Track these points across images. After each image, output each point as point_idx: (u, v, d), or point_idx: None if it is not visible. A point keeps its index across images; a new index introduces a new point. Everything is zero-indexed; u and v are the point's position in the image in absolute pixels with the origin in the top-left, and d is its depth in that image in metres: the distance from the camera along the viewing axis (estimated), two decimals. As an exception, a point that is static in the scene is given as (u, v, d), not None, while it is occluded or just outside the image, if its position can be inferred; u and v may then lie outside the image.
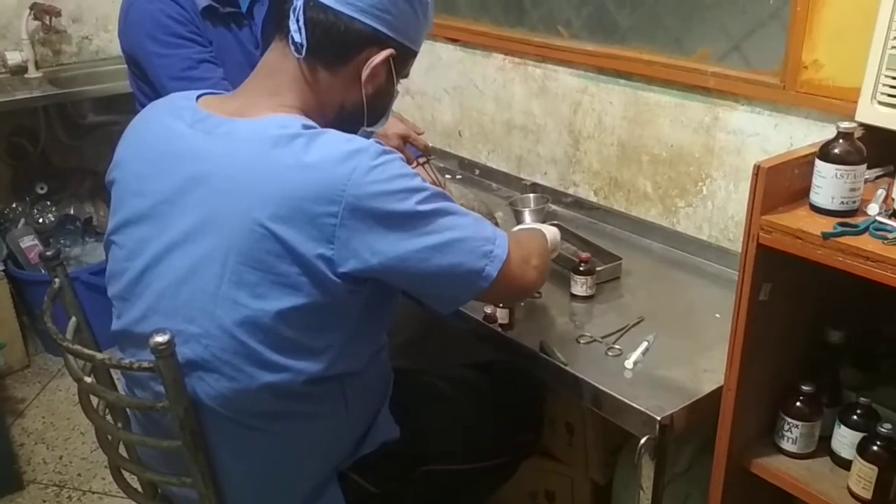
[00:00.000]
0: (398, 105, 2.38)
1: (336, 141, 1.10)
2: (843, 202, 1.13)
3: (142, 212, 1.17)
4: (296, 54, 1.14)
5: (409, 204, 1.08)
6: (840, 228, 1.09)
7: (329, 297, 1.09)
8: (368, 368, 1.26)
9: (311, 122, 1.13)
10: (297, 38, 1.13)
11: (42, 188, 3.04)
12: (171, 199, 1.14)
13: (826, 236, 1.08)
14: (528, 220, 1.95)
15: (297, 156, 1.07)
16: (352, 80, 1.19)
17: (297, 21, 1.13)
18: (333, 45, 1.15)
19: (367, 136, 1.25)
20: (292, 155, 1.07)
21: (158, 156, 1.17)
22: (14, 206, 3.01)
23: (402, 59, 1.23)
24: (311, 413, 1.19)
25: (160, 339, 1.04)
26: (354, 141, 1.10)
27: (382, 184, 1.07)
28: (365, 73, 1.18)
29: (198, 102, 1.20)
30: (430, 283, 1.15)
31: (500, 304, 1.49)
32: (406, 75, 1.29)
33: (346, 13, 1.13)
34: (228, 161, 1.10)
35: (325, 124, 1.17)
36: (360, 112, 1.22)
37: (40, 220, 3.03)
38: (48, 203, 3.05)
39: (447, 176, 2.28)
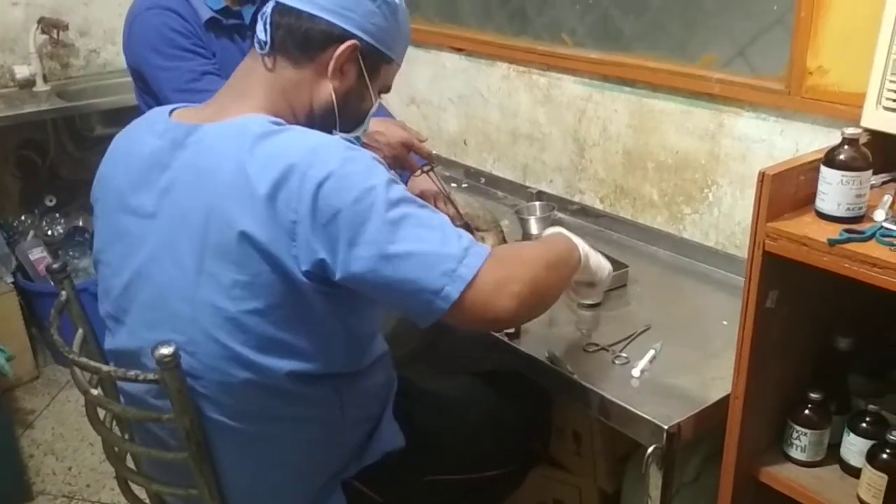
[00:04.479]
0: (403, 114, 2.39)
1: (300, 135, 1.10)
2: (849, 208, 1.12)
3: (122, 228, 1.17)
4: (259, 51, 1.17)
5: (365, 204, 1.04)
6: (846, 235, 1.08)
7: (301, 297, 1.08)
8: (366, 373, 1.25)
9: (279, 121, 1.13)
10: (261, 36, 1.17)
11: (51, 200, 3.06)
12: (147, 212, 1.14)
13: (832, 243, 1.07)
14: (535, 228, 1.95)
15: (258, 151, 1.06)
16: (319, 78, 1.19)
17: (264, 22, 1.17)
18: (297, 43, 1.17)
19: (356, 140, 1.25)
20: (254, 152, 1.06)
21: (133, 172, 1.18)
22: (23, 218, 3.04)
23: (373, 60, 1.22)
24: (305, 416, 1.19)
25: (165, 350, 1.04)
26: (319, 136, 1.10)
27: (341, 179, 1.04)
28: (331, 67, 1.18)
29: (171, 115, 1.21)
30: (384, 296, 1.10)
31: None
32: (387, 89, 1.29)
33: (308, 11, 1.16)
34: (195, 166, 1.10)
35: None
36: (330, 115, 1.22)
37: (49, 233, 3.04)
38: (57, 215, 3.07)
39: (452, 185, 2.28)
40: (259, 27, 1.17)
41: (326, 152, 1.06)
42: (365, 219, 1.04)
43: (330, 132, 1.22)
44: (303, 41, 1.17)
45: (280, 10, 1.17)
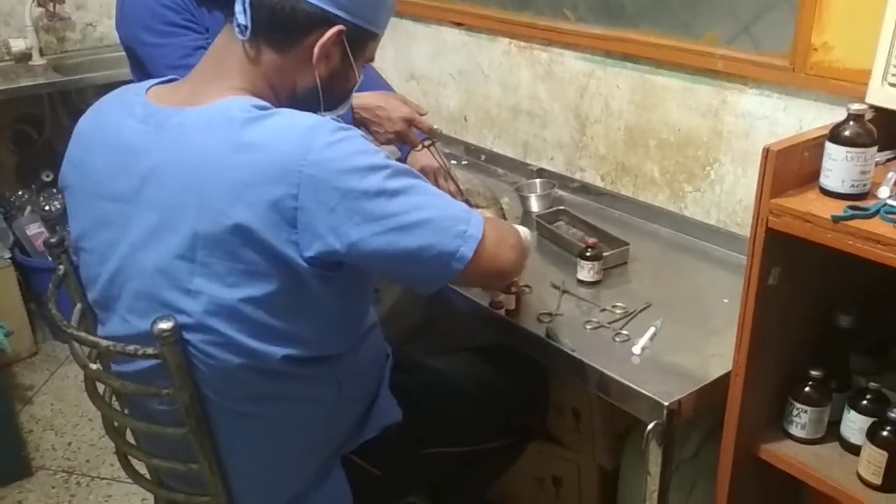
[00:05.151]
0: (402, 90, 2.37)
1: (289, 119, 1.07)
2: (853, 185, 1.11)
3: (106, 214, 1.14)
4: (240, 36, 1.11)
5: (371, 182, 1.04)
6: (850, 212, 1.07)
7: (300, 284, 1.07)
8: (359, 350, 1.25)
9: (262, 103, 1.10)
10: (241, 19, 1.10)
11: (47, 175, 3.04)
12: (131, 198, 1.11)
13: (836, 220, 1.07)
14: (535, 206, 1.94)
15: (248, 138, 1.04)
16: (303, 63, 1.15)
17: (244, 2, 1.09)
18: (279, 26, 1.11)
19: (340, 119, 1.23)
20: (244, 138, 1.04)
21: (115, 156, 1.14)
22: (20, 193, 3.02)
23: (358, 40, 1.18)
24: (303, 397, 1.19)
25: (164, 325, 1.04)
26: (309, 118, 1.07)
27: (340, 161, 1.03)
28: (316, 53, 1.13)
29: (147, 94, 1.17)
30: (400, 266, 1.11)
31: (498, 291, 1.46)
32: (370, 59, 1.25)
33: None
34: (182, 153, 1.07)
35: (280, 107, 1.14)
36: (314, 96, 1.19)
37: (46, 208, 3.03)
38: (54, 190, 3.05)
39: (453, 162, 2.27)
40: (238, 8, 1.10)
41: (320, 135, 1.04)
42: (373, 195, 1.04)
43: (314, 112, 1.19)
44: (285, 26, 1.11)
45: None
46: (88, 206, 1.18)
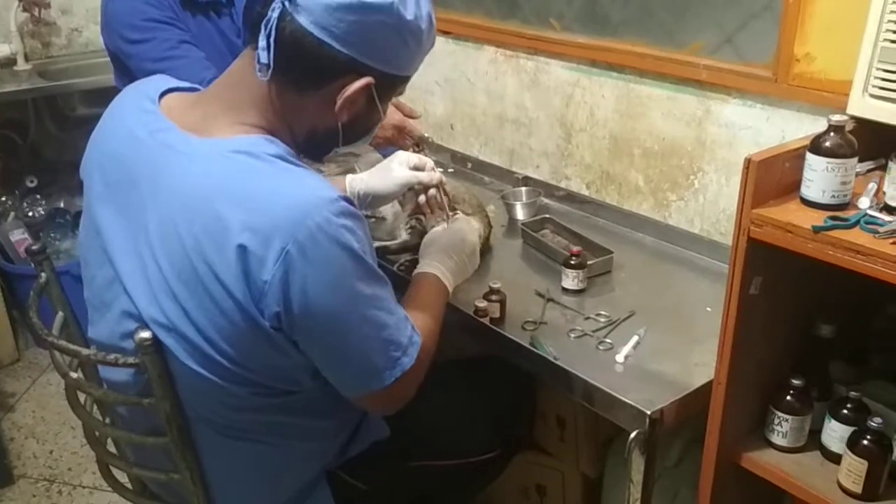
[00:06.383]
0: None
1: (287, 188, 1.02)
2: (833, 196, 1.12)
3: (105, 221, 1.13)
4: (259, 75, 1.03)
5: (346, 279, 1.03)
6: (831, 222, 1.08)
7: (269, 341, 1.05)
8: None
9: (273, 147, 1.06)
10: (262, 57, 1.02)
11: (32, 181, 3.02)
12: (128, 212, 1.10)
13: (817, 230, 1.08)
14: (520, 214, 1.95)
15: (240, 197, 1.01)
16: (324, 106, 1.09)
17: (269, 37, 1.02)
18: (304, 70, 1.06)
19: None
20: (236, 196, 1.01)
21: (120, 165, 1.13)
22: (3, 199, 3.00)
23: (388, 86, 1.13)
24: (288, 423, 1.18)
25: (145, 335, 1.04)
26: (308, 192, 1.02)
27: (319, 252, 1.00)
28: (339, 101, 1.08)
29: (161, 103, 1.14)
30: (324, 361, 1.10)
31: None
32: (401, 93, 1.20)
33: (320, 38, 1.02)
34: (180, 185, 1.04)
35: (296, 144, 1.12)
36: (334, 136, 1.14)
37: (30, 214, 3.02)
38: (38, 196, 3.04)
39: (439, 169, 2.26)
40: (262, 43, 1.02)
41: (312, 217, 0.99)
42: (337, 290, 1.03)
43: (331, 147, 1.19)
44: (311, 70, 1.06)
45: (289, 24, 1.02)
46: (92, 209, 1.17)
